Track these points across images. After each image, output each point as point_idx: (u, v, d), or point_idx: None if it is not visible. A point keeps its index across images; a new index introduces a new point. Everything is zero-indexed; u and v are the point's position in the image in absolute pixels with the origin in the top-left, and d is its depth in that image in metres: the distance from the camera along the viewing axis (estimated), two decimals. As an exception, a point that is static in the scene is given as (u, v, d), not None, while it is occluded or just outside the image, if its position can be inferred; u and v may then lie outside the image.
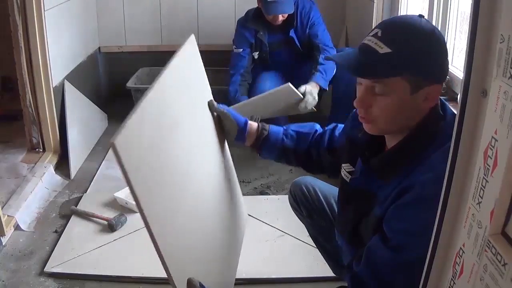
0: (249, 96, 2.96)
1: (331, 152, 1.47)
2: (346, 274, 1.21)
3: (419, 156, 1.09)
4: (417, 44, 1.06)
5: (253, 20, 3.03)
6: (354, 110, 1.26)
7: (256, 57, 3.14)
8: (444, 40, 1.11)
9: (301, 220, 1.73)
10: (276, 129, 1.51)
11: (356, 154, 1.27)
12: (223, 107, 1.48)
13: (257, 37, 3.06)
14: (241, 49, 3.08)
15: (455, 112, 1.10)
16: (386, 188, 1.14)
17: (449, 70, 1.14)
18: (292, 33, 2.98)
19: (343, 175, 1.33)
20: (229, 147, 1.63)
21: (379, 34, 1.08)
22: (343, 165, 1.34)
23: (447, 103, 1.18)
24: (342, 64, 1.14)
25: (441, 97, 1.17)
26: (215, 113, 1.47)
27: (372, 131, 1.16)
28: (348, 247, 1.33)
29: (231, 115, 1.45)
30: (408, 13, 2.79)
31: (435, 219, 0.91)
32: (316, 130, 1.52)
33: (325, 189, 1.66)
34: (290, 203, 1.74)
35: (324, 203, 1.62)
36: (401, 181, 1.09)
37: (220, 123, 1.48)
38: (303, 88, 2.73)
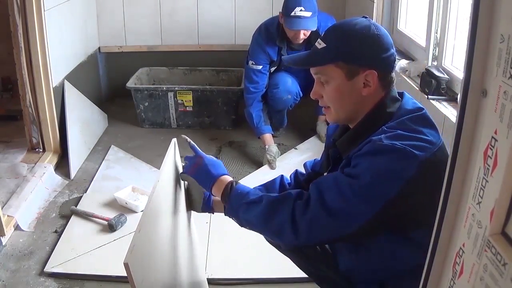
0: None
1: (317, 174, 1.50)
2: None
3: (376, 131, 1.22)
4: (348, 37, 1.25)
5: (279, 39, 2.95)
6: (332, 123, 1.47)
7: (272, 70, 3.10)
8: (381, 34, 1.25)
9: (283, 253, 1.67)
10: (243, 187, 1.53)
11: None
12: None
13: (280, 53, 3.00)
14: (261, 66, 3.01)
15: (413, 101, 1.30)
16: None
17: (393, 59, 1.29)
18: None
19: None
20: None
21: (322, 35, 1.31)
22: (324, 173, 1.43)
23: (407, 94, 1.33)
24: (290, 61, 1.36)
25: (404, 92, 1.34)
26: (185, 183, 1.54)
27: (330, 119, 1.33)
28: (344, 245, 1.35)
29: (197, 182, 1.48)
30: (408, 14, 2.79)
31: (387, 165, 1.11)
32: (282, 175, 1.60)
33: None
34: (266, 239, 1.67)
35: None
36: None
37: (188, 192, 1.54)
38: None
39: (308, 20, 2.76)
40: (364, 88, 1.25)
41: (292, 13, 2.75)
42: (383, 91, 1.27)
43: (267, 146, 3.03)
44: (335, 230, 1.16)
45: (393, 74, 1.31)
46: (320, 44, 1.27)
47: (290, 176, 1.60)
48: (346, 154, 1.28)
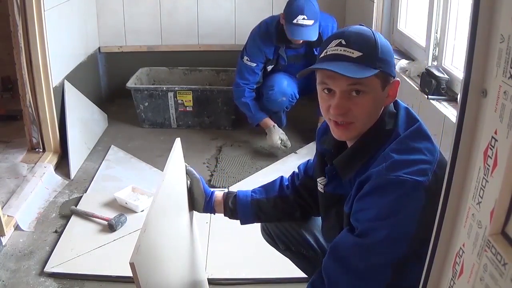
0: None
1: (310, 179, 1.49)
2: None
3: (376, 152, 1.17)
4: (378, 43, 1.16)
5: (277, 38, 2.95)
6: (321, 124, 1.40)
7: (269, 69, 3.11)
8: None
9: (283, 254, 1.69)
10: (243, 191, 1.54)
11: (326, 165, 1.32)
12: (194, 172, 1.53)
13: (278, 52, 3.01)
14: (255, 64, 3.02)
15: (406, 106, 1.25)
16: (350, 187, 1.22)
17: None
18: (316, 51, 2.94)
19: (319, 188, 1.38)
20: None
21: (343, 42, 1.16)
22: (318, 179, 1.38)
23: (400, 104, 1.26)
24: (328, 69, 1.15)
25: (397, 100, 1.26)
26: (188, 183, 1.52)
27: (348, 136, 1.22)
28: None
29: (200, 183, 1.50)
30: (408, 14, 2.79)
31: (398, 203, 1.07)
32: (282, 176, 1.57)
33: (304, 221, 1.62)
34: (265, 239, 1.69)
35: (304, 233, 1.58)
36: (361, 175, 1.16)
37: (191, 191, 1.53)
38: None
39: (309, 29, 2.76)
40: (387, 98, 1.20)
41: (295, 21, 2.74)
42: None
43: (271, 127, 3.06)
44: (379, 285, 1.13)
45: None
46: (352, 53, 1.14)
47: (288, 179, 1.58)
48: (345, 176, 1.24)
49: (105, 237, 2.28)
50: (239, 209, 1.50)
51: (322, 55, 1.19)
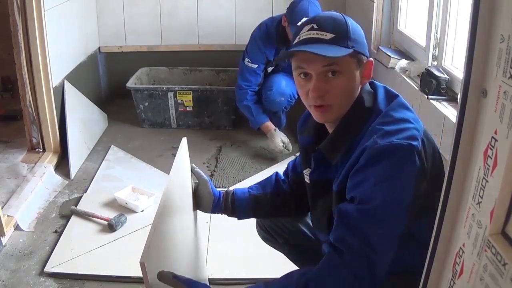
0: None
1: (298, 175, 1.49)
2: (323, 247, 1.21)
3: (360, 130, 1.20)
4: (349, 25, 1.19)
5: (278, 40, 2.95)
6: (300, 118, 1.43)
7: (269, 71, 3.11)
8: None
9: (280, 251, 1.69)
10: (240, 188, 1.56)
11: (310, 154, 1.34)
12: (202, 173, 1.53)
13: (278, 53, 3.01)
14: (256, 65, 3.01)
15: (383, 86, 1.27)
16: (335, 171, 1.24)
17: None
18: None
19: (305, 180, 1.39)
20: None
21: (315, 26, 1.19)
22: (304, 171, 1.40)
23: (377, 83, 1.29)
24: (305, 49, 1.16)
25: (372, 80, 1.29)
26: (193, 182, 1.53)
27: (328, 119, 1.24)
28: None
29: (208, 184, 1.50)
30: (408, 14, 2.79)
31: (394, 167, 1.09)
32: (277, 172, 1.59)
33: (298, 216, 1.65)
34: (261, 237, 1.69)
35: (299, 224, 1.60)
36: (350, 155, 1.18)
37: (197, 192, 1.53)
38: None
39: None
40: (362, 78, 1.22)
41: (299, 23, 2.74)
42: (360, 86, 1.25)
43: (272, 131, 3.06)
44: (389, 253, 1.13)
45: None
46: (325, 35, 1.17)
47: (283, 174, 1.58)
48: (333, 159, 1.24)
49: (105, 237, 2.28)
50: (237, 205, 1.51)
51: (295, 42, 1.21)
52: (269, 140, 3.06)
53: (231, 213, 1.53)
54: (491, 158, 0.71)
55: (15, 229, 2.32)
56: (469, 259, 0.77)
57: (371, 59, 1.23)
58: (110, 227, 2.32)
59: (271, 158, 3.09)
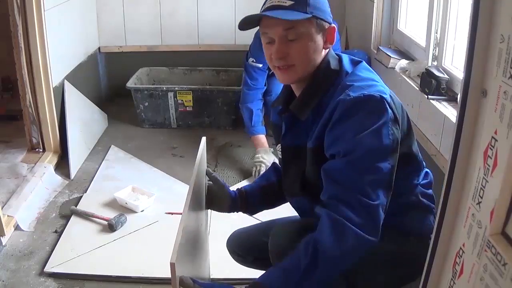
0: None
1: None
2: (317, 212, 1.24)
3: (328, 89, 1.27)
4: None
5: None
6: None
7: (269, 74, 3.10)
8: None
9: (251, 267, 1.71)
10: (248, 185, 1.64)
11: (281, 128, 1.41)
12: (219, 178, 1.58)
13: None
14: (261, 64, 2.96)
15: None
16: (309, 127, 1.30)
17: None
18: None
19: (278, 149, 1.48)
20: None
21: None
22: (277, 148, 1.49)
23: (342, 53, 1.37)
24: (264, 15, 1.25)
25: (339, 52, 1.37)
26: (207, 181, 1.58)
27: (291, 78, 1.31)
28: (305, 200, 1.39)
29: (225, 186, 1.55)
30: (408, 14, 2.79)
31: (370, 116, 1.15)
32: (275, 162, 1.68)
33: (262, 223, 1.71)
34: (235, 259, 1.71)
35: (266, 225, 1.65)
36: (322, 112, 1.25)
37: (211, 191, 1.57)
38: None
39: None
40: (325, 43, 1.29)
41: None
42: (325, 50, 1.31)
43: (267, 148, 2.96)
44: (384, 198, 1.16)
45: None
46: (285, 2, 1.25)
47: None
48: (303, 115, 1.30)
49: (105, 237, 2.28)
50: (250, 201, 1.56)
51: (261, 10, 1.31)
52: (262, 153, 2.93)
53: (246, 210, 1.58)
54: (491, 158, 0.71)
55: (15, 229, 2.32)
56: (469, 259, 0.77)
57: (333, 25, 1.30)
58: (110, 227, 2.32)
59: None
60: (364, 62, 1.34)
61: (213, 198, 1.56)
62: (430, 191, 1.41)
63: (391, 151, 1.17)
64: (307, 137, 1.30)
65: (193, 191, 1.28)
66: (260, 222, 1.82)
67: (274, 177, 1.59)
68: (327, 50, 1.31)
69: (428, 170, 1.44)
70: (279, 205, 1.64)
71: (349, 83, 1.23)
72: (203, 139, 1.57)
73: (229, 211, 1.57)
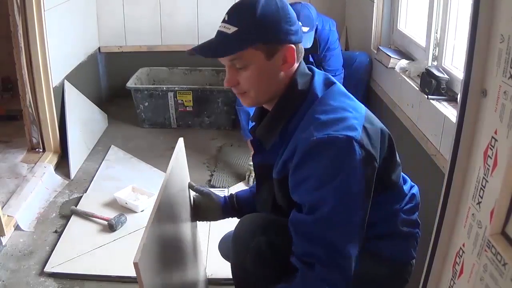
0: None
1: None
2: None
3: (294, 114, 1.21)
4: (259, 15, 1.16)
5: None
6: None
7: None
8: (285, 4, 1.20)
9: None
10: (240, 191, 1.62)
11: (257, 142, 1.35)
12: (203, 188, 1.56)
13: None
14: None
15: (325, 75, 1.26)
16: (276, 151, 1.25)
17: (301, 29, 1.24)
18: (311, 58, 2.93)
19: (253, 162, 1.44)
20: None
21: (226, 18, 1.20)
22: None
23: (316, 69, 1.28)
24: (198, 50, 1.24)
25: (311, 66, 1.28)
26: (192, 194, 1.56)
27: (249, 104, 1.27)
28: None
29: (212, 195, 1.54)
30: (408, 14, 2.79)
31: (335, 163, 1.07)
32: None
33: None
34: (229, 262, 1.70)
35: None
36: (287, 140, 1.20)
37: (199, 203, 1.56)
38: None
39: (304, 37, 2.73)
40: (283, 65, 1.21)
41: None
42: (294, 67, 1.23)
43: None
44: (355, 248, 1.12)
45: (301, 46, 1.25)
46: (229, 28, 1.18)
47: None
48: (268, 144, 1.26)
49: (105, 237, 2.28)
50: (243, 205, 1.55)
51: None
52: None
53: (239, 215, 1.54)
54: (491, 158, 0.71)
55: (15, 229, 2.32)
56: (469, 259, 0.77)
57: (290, 45, 1.20)
58: (110, 227, 2.32)
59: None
60: (337, 84, 1.25)
61: (202, 209, 1.55)
62: (414, 216, 1.35)
63: (363, 196, 1.11)
64: (276, 157, 1.25)
65: (167, 195, 1.28)
66: None
67: None
68: (295, 68, 1.23)
69: (415, 192, 1.37)
70: None
71: (316, 116, 1.15)
72: (180, 140, 1.53)
73: (222, 218, 1.56)
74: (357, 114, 1.16)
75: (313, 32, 2.77)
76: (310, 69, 1.28)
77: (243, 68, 1.20)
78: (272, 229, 1.23)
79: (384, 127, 1.24)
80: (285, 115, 1.22)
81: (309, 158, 1.10)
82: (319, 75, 1.25)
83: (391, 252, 1.30)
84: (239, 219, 1.47)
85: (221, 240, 1.72)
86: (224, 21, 1.20)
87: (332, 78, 1.27)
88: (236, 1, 1.22)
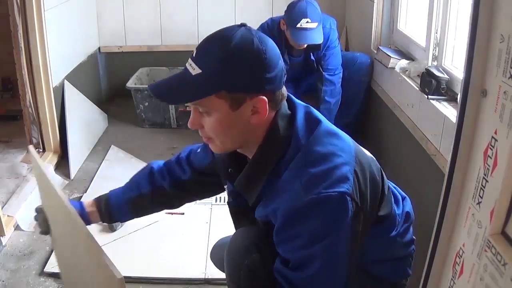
0: None
1: (198, 173, 1.43)
2: None
3: (277, 164, 1.08)
4: (228, 59, 1.01)
5: (278, 44, 2.89)
6: None
7: None
8: (267, 48, 1.04)
9: None
10: (115, 190, 1.47)
11: (227, 169, 1.22)
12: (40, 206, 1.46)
13: (283, 57, 2.97)
14: None
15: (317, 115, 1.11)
16: (256, 202, 1.14)
17: (283, 73, 1.07)
18: (312, 56, 2.91)
19: (227, 195, 1.34)
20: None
21: (194, 54, 1.06)
22: (223, 183, 1.33)
23: (298, 104, 1.14)
24: (156, 92, 1.10)
25: (290, 96, 1.14)
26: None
27: (216, 150, 1.14)
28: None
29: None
30: (408, 14, 2.79)
31: (327, 223, 0.99)
32: (152, 166, 1.47)
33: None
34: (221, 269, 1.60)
35: None
36: (270, 194, 1.09)
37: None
38: None
39: (314, 32, 2.71)
40: (253, 116, 1.06)
41: (298, 25, 2.68)
42: (273, 112, 1.09)
43: None
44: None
45: (283, 89, 1.10)
46: (193, 69, 1.03)
47: (162, 168, 1.46)
48: (251, 199, 1.14)
49: (105, 237, 2.28)
50: (114, 211, 1.45)
51: None
52: None
53: (109, 220, 1.48)
54: (491, 158, 0.71)
55: (15, 229, 2.32)
56: (469, 259, 0.77)
57: (262, 97, 1.03)
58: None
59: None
60: (323, 122, 1.10)
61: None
62: (409, 234, 1.30)
63: (351, 249, 1.05)
64: (257, 202, 1.15)
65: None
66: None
67: (146, 188, 1.43)
68: (273, 114, 1.08)
69: (408, 209, 1.30)
70: (160, 210, 1.53)
71: (304, 168, 1.03)
72: (30, 147, 1.44)
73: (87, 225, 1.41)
74: (346, 156, 1.05)
75: (321, 27, 2.75)
76: (289, 102, 1.13)
77: (206, 114, 1.06)
78: (266, 246, 1.15)
79: (374, 160, 1.16)
80: (268, 167, 1.09)
81: (297, 220, 1.02)
82: (300, 111, 1.11)
83: (386, 273, 1.28)
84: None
85: (212, 249, 1.65)
86: (192, 56, 1.06)
87: (316, 112, 1.14)
88: (212, 34, 1.07)
